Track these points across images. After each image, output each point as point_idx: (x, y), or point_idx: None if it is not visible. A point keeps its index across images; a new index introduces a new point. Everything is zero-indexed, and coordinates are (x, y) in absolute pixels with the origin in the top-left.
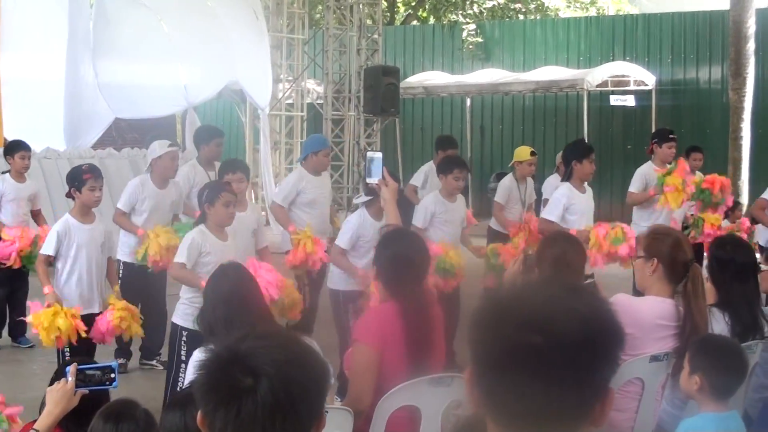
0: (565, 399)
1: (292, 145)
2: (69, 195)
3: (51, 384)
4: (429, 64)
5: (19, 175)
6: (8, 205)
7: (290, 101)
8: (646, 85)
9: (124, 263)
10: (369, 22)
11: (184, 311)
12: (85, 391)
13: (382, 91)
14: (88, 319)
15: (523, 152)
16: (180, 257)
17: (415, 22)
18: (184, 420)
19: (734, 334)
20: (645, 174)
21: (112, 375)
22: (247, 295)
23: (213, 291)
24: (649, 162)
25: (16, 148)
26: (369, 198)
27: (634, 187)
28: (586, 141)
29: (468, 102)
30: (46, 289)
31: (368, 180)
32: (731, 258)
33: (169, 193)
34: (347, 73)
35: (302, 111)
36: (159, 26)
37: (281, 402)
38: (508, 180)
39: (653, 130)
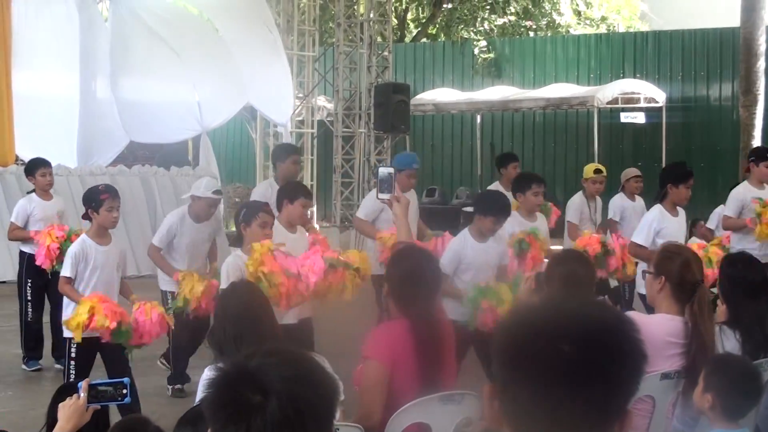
0: (589, 412)
1: (302, 162)
2: (86, 216)
3: (55, 400)
4: (439, 81)
5: (45, 193)
6: (37, 225)
7: (300, 118)
8: (657, 102)
9: (171, 293)
10: (379, 39)
11: None
12: (97, 406)
13: (392, 108)
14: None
15: (588, 170)
16: (224, 285)
17: (425, 40)
18: None
19: (745, 352)
20: (740, 196)
21: (124, 391)
22: (258, 314)
23: (223, 309)
24: (745, 182)
25: (35, 166)
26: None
27: (730, 210)
28: (597, 158)
29: (479, 119)
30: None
31: (380, 196)
32: (742, 276)
33: (209, 225)
34: (357, 90)
35: (312, 128)
36: (171, 52)
37: (290, 419)
38: (578, 198)
39: (664, 147)
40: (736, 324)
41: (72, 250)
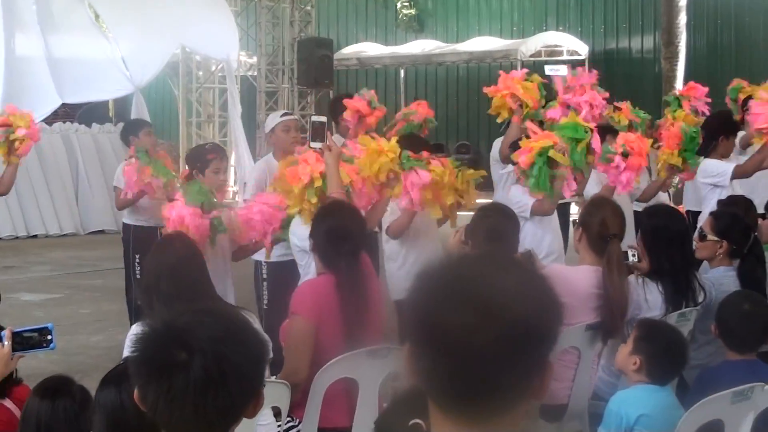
0: (502, 378)
1: (225, 119)
2: (189, 177)
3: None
4: (363, 36)
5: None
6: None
7: (222, 74)
8: (579, 54)
9: (267, 264)
10: None
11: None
12: (23, 354)
13: (315, 63)
14: None
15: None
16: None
17: None
18: (120, 396)
19: (668, 303)
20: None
21: (49, 337)
22: (193, 269)
23: (157, 262)
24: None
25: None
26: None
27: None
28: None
29: (402, 73)
30: None
31: (312, 145)
32: (663, 226)
33: None
34: (281, 46)
35: (236, 83)
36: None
37: (213, 379)
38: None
39: None
40: (659, 276)
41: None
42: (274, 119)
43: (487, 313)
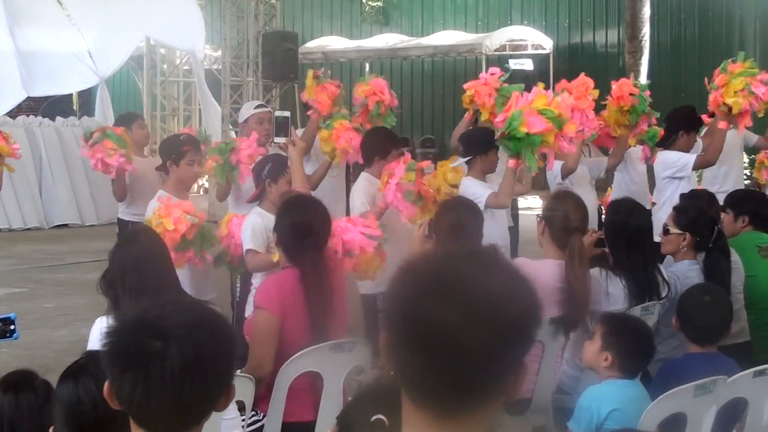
0: (476, 377)
1: (190, 112)
2: (162, 168)
3: None
4: (328, 29)
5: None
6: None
7: (187, 67)
8: (544, 48)
9: None
10: None
11: None
12: None
13: (280, 56)
14: None
15: None
16: (246, 244)
17: None
18: (77, 392)
19: (631, 297)
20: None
21: (12, 327)
22: (160, 262)
23: (123, 255)
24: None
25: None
26: (468, 159)
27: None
28: None
29: (367, 67)
30: None
31: (276, 140)
32: (625, 222)
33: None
34: (245, 39)
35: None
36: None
37: (190, 366)
38: None
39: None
40: (621, 270)
41: (150, 207)
42: (248, 110)
43: (473, 311)
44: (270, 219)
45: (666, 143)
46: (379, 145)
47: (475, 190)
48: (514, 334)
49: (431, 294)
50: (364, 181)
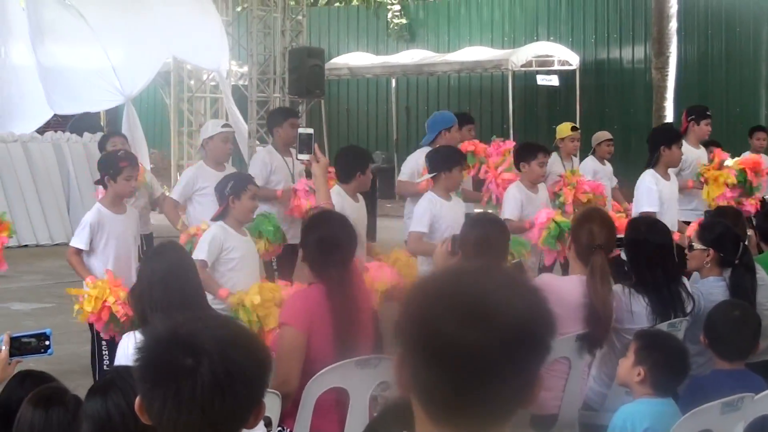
0: (501, 392)
1: None
2: (101, 182)
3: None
4: (354, 45)
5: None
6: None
7: (214, 83)
8: (571, 64)
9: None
10: (292, 3)
11: None
12: (20, 359)
13: (306, 72)
14: None
15: (564, 129)
16: (200, 253)
17: (338, 3)
18: (106, 407)
19: (655, 315)
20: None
21: (47, 342)
22: (186, 280)
23: (149, 270)
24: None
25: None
26: (433, 175)
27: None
28: (512, 121)
29: (393, 83)
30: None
31: (299, 157)
32: (645, 239)
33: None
34: (272, 55)
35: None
36: (79, 16)
37: (221, 383)
38: (552, 158)
39: (578, 109)
40: (643, 287)
41: (87, 219)
42: (215, 128)
43: (487, 325)
44: (232, 235)
45: (651, 163)
46: (353, 163)
47: (417, 213)
48: (531, 345)
49: (448, 309)
50: (336, 195)
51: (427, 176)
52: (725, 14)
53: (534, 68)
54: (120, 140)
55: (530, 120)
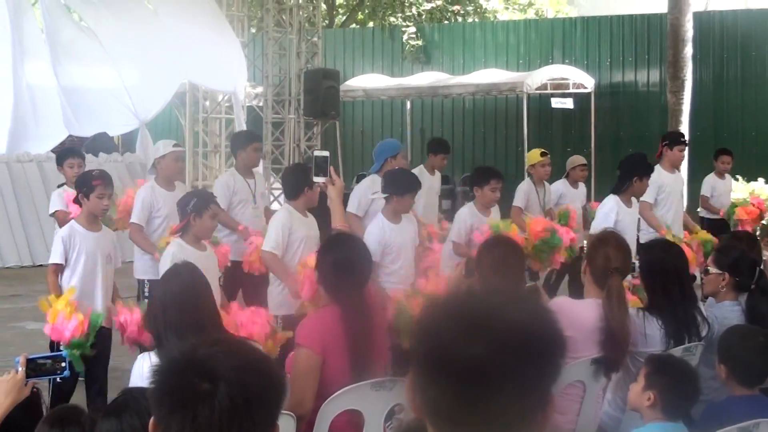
0: (509, 408)
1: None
2: (75, 201)
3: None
4: (369, 67)
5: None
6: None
7: (229, 104)
8: (585, 87)
9: (150, 281)
10: (308, 25)
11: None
12: (36, 381)
13: (322, 94)
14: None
15: (533, 155)
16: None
17: (354, 25)
18: (121, 428)
19: (668, 337)
20: (657, 181)
21: (63, 364)
22: (200, 301)
23: (163, 291)
24: (658, 166)
25: (64, 156)
26: (386, 196)
27: (649, 196)
28: (526, 144)
29: (408, 105)
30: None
31: (315, 179)
32: (659, 260)
33: (178, 195)
34: (287, 76)
35: (243, 113)
36: (95, 39)
37: (238, 407)
38: (525, 184)
39: (593, 132)
40: (657, 310)
41: (60, 234)
42: (166, 147)
43: (492, 338)
44: (190, 252)
45: (620, 189)
46: (300, 180)
47: (369, 233)
48: (543, 366)
49: (461, 330)
50: (285, 212)
51: (380, 195)
52: (740, 38)
53: (549, 91)
54: (77, 162)
55: (545, 143)
